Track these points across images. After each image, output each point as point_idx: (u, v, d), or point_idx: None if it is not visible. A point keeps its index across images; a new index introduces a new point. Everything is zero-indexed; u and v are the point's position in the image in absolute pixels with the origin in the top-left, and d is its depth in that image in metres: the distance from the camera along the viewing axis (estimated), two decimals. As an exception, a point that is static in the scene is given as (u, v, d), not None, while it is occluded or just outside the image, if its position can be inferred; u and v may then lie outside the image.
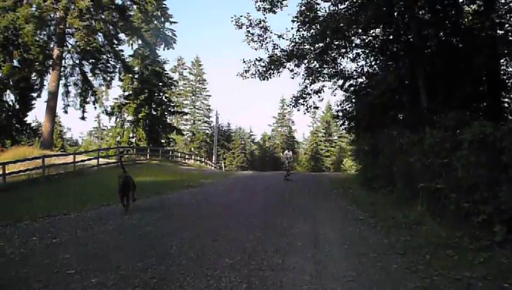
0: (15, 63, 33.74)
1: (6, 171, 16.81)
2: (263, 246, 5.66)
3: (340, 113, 17.40)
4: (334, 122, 21.42)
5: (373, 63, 15.50)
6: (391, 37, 14.28)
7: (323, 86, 16.82)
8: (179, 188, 14.36)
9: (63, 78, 34.07)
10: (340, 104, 17.28)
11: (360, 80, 16.28)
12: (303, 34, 14.89)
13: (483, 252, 5.03)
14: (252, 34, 15.64)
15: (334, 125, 60.03)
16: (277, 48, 15.59)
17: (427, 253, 5.13)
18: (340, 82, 16.68)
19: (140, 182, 17.52)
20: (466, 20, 13.28)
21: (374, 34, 14.81)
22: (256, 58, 15.70)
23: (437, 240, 5.72)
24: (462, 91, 11.25)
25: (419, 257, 5.01)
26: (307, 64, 15.91)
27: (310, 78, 16.10)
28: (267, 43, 15.69)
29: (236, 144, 63.64)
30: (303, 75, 16.33)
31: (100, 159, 24.59)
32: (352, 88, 16.35)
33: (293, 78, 16.46)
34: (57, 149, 61.95)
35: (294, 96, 16.72)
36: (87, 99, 35.28)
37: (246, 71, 15.79)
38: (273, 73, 15.73)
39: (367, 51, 15.20)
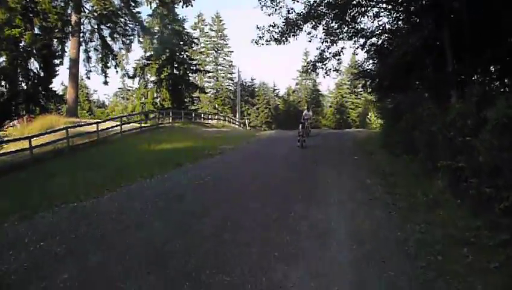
0: (36, 30, 33.88)
1: (33, 145, 17.23)
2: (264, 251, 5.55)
3: (362, 74, 16.62)
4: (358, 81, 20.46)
5: (396, 19, 14.46)
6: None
7: (343, 48, 16.02)
8: (196, 158, 14.27)
9: (83, 44, 34.04)
10: (362, 64, 16.44)
11: (382, 37, 15.33)
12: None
13: (502, 248, 4.73)
14: (265, -2, 14.82)
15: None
16: (291, 13, 14.78)
17: (440, 253, 4.85)
18: (361, 41, 15.79)
19: (161, 151, 17.82)
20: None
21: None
22: (270, 25, 14.99)
23: (453, 232, 5.44)
24: (493, 52, 10.39)
25: (431, 259, 4.74)
26: (325, 26, 15.07)
27: (329, 39, 15.31)
28: (280, 7, 14.87)
29: (260, 100, 63.01)
30: (321, 38, 15.58)
31: (123, 126, 24.88)
32: (373, 48, 15.43)
33: (310, 41, 15.69)
34: (84, 113, 63.47)
35: (311, 61, 16.03)
36: (108, 64, 35.29)
37: (260, 38, 15.13)
38: (290, 37, 15.02)
39: (389, 7, 14.16)
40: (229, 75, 66.67)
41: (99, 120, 27.41)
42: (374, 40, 15.36)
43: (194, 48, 50.84)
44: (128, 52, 35.98)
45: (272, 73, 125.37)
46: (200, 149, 17.06)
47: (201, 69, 55.16)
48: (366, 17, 14.66)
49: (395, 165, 11.14)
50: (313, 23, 14.69)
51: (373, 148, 15.87)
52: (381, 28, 14.93)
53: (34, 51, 34.78)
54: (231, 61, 66.98)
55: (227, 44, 66.84)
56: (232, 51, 68.08)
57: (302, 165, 11.98)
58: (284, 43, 15.03)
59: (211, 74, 64.99)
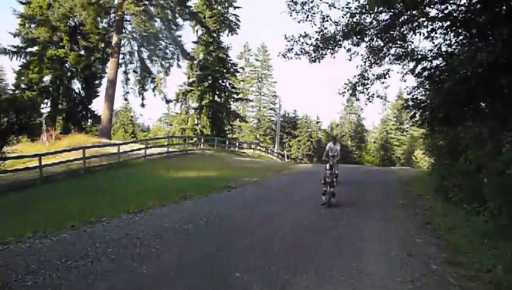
0: (81, 51, 34.25)
1: (43, 163, 16.05)
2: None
3: (411, 102, 14.01)
4: (405, 112, 17.72)
5: (453, 40, 11.96)
6: (478, 6, 10.83)
7: (389, 70, 13.51)
8: (210, 191, 12.30)
9: (123, 65, 34.02)
10: (411, 92, 13.88)
11: (436, 62, 12.82)
12: (361, 1, 11.78)
13: None
14: (295, 1, 12.63)
15: (405, 112, 55.12)
16: (327, 20, 12.54)
17: None
18: (411, 65, 13.36)
19: (179, 178, 16.12)
20: None
21: (456, 2, 11.40)
22: (300, 35, 12.66)
23: None
24: None
25: None
26: (368, 43, 12.79)
27: (373, 59, 12.98)
28: (314, 13, 12.68)
29: (302, 132, 61.23)
30: (363, 55, 13.23)
31: (150, 150, 23.62)
32: (426, 72, 12.87)
33: (350, 60, 13.38)
34: (127, 135, 64.07)
35: (350, 82, 13.54)
36: (146, 87, 34.87)
37: (289, 50, 13.01)
38: (325, 54, 12.84)
39: (446, 25, 11.75)
40: (271, 105, 65.34)
41: (122, 142, 26.37)
42: (425, 63, 12.88)
43: (237, 76, 50.20)
44: (167, 75, 35.37)
45: (315, 106, 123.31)
46: (220, 180, 15.15)
47: (244, 97, 54.33)
48: (418, 34, 12.26)
49: (452, 216, 8.56)
50: (354, 39, 12.45)
51: (421, 191, 13.21)
52: (436, 49, 12.50)
53: (78, 71, 35.12)
54: (274, 92, 65.91)
55: (271, 74, 66.17)
56: (276, 82, 67.37)
57: (329, 211, 9.45)
58: (319, 61, 12.85)
59: (253, 104, 64.14)
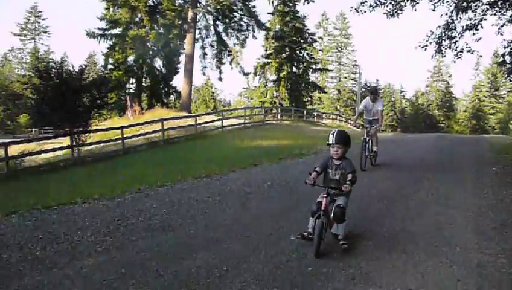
0: (160, 29, 35.35)
1: (126, 135, 16.85)
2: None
3: (509, 58, 11.97)
4: (501, 74, 14.95)
5: None
6: None
7: (481, 20, 11.59)
8: (282, 158, 11.89)
9: (200, 40, 34.42)
10: (509, 45, 11.81)
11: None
12: None
13: None
14: None
15: (501, 77, 49.25)
16: None
17: None
18: (510, 13, 11.33)
19: (252, 147, 15.96)
20: None
21: None
22: None
23: None
24: None
25: None
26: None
27: (460, 5, 11.18)
28: None
29: (385, 102, 57.95)
30: (448, 1, 11.45)
31: (227, 121, 23.85)
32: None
33: (434, 10, 11.68)
34: (208, 110, 65.97)
35: (433, 34, 11.78)
36: (223, 60, 35.03)
37: (362, 3, 11.68)
38: (404, 5, 11.31)
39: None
40: (352, 75, 62.61)
41: (199, 114, 26.91)
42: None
43: (315, 47, 48.68)
44: (243, 47, 35.12)
45: (399, 75, 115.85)
46: (294, 148, 14.70)
47: (322, 68, 52.66)
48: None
49: None
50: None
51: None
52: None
53: (158, 49, 36.41)
54: (355, 61, 62.90)
55: (351, 43, 63.17)
56: (356, 50, 64.33)
57: (411, 177, 8.35)
58: (397, 15, 11.40)
59: (333, 74, 62.02)
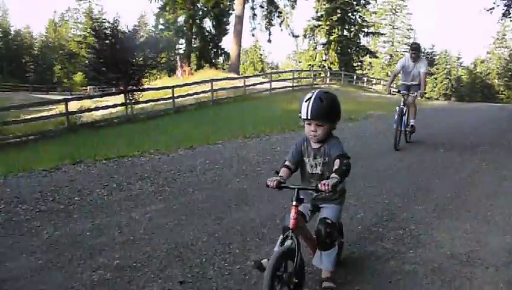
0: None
1: (176, 94, 17.28)
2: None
3: None
4: None
5: None
6: None
7: None
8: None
9: (250, 1, 33.92)
10: None
11: None
12: None
13: None
14: None
15: None
16: None
17: None
18: None
19: (294, 112, 15.93)
20: None
21: None
22: None
23: None
24: None
25: None
26: None
27: None
28: None
29: (439, 69, 55.05)
30: None
31: (275, 83, 23.80)
32: None
33: None
34: (257, 73, 65.78)
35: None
36: (273, 21, 34.55)
37: None
38: None
39: None
40: (406, 40, 59.65)
41: (248, 75, 26.95)
42: None
43: (368, 9, 46.66)
44: (293, 8, 34.42)
45: (457, 41, 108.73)
46: (343, 112, 14.49)
47: (375, 31, 50.51)
48: None
49: None
50: None
51: None
52: None
53: (208, 10, 36.39)
54: (409, 25, 59.86)
55: (406, 5, 59.84)
56: (411, 13, 61.04)
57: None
58: None
59: (385, 38, 59.32)
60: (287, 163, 2.50)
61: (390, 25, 60.46)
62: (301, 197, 2.28)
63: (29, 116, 16.31)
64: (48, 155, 8.21)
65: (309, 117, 2.31)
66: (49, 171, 5.66)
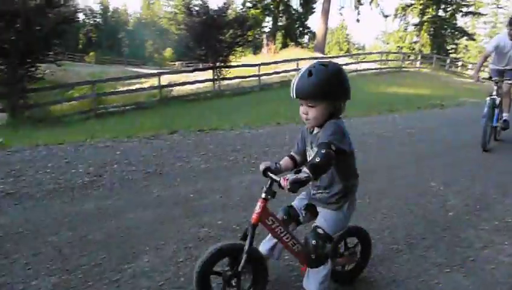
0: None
1: (261, 72, 17.59)
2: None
3: None
4: None
5: None
6: None
7: None
8: (418, 107, 11.52)
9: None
10: None
11: None
12: None
13: None
14: None
15: None
16: None
17: None
18: None
19: (388, 94, 15.46)
20: None
21: None
22: None
23: None
24: None
25: None
26: None
27: None
28: None
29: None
30: None
31: (361, 65, 23.28)
32: None
33: None
34: (342, 53, 64.21)
35: None
36: (362, 0, 33.29)
37: None
38: None
39: None
40: (512, 21, 53.95)
41: (334, 55, 26.44)
42: None
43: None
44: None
45: None
46: (433, 98, 13.98)
47: (475, 11, 46.28)
48: None
49: None
50: None
51: None
52: None
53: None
54: (518, 3, 53.83)
55: (516, -19, 53.83)
56: (522, -10, 54.71)
57: None
58: None
59: (486, 19, 54.12)
60: (292, 153, 2.18)
61: (494, 3, 55.02)
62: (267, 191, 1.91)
63: (125, 88, 17.70)
64: (145, 124, 8.93)
65: (293, 95, 1.83)
66: (149, 138, 6.20)
